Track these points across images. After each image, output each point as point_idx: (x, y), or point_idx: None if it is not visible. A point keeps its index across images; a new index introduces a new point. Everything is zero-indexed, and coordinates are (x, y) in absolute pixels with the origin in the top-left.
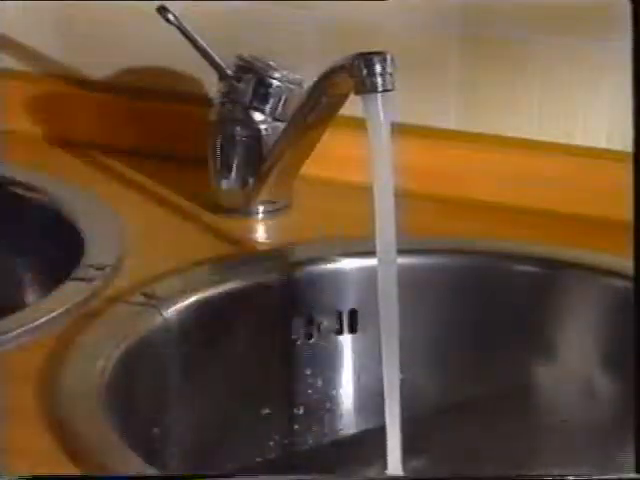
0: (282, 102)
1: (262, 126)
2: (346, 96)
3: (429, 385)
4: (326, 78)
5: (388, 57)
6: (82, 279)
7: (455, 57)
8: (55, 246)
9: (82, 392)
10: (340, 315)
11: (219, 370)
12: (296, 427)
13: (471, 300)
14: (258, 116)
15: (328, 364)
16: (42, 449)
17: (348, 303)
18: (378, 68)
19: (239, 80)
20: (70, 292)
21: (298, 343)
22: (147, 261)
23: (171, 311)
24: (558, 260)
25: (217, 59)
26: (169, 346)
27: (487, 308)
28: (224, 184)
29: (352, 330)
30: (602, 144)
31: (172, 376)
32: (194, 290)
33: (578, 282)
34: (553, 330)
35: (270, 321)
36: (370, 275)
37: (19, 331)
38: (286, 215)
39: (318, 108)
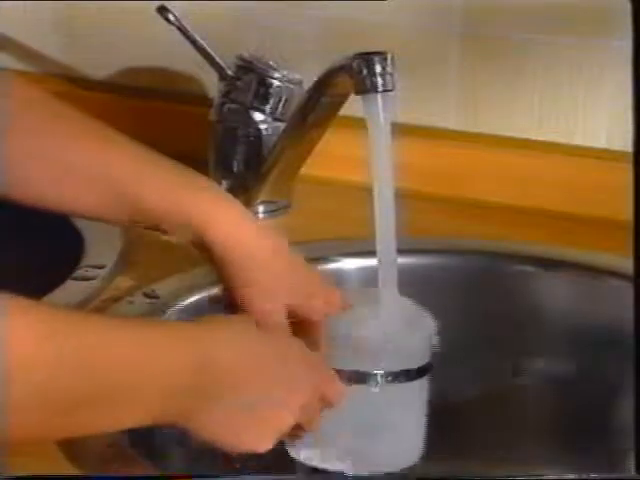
0: (282, 102)
1: (262, 126)
2: (346, 96)
3: (429, 384)
4: (326, 78)
5: (388, 57)
6: (82, 279)
7: (455, 57)
8: (55, 246)
9: None
10: None
11: None
12: None
13: (471, 300)
14: (258, 116)
15: None
16: (42, 449)
17: None
18: (378, 68)
19: (239, 80)
20: (70, 292)
21: None
22: (147, 261)
23: (172, 311)
24: (558, 260)
25: (217, 59)
26: None
27: (487, 308)
28: (224, 184)
29: None
30: (602, 144)
31: None
32: (194, 290)
33: (578, 282)
34: (553, 329)
35: None
36: (370, 275)
37: None
38: (286, 215)
39: (318, 108)
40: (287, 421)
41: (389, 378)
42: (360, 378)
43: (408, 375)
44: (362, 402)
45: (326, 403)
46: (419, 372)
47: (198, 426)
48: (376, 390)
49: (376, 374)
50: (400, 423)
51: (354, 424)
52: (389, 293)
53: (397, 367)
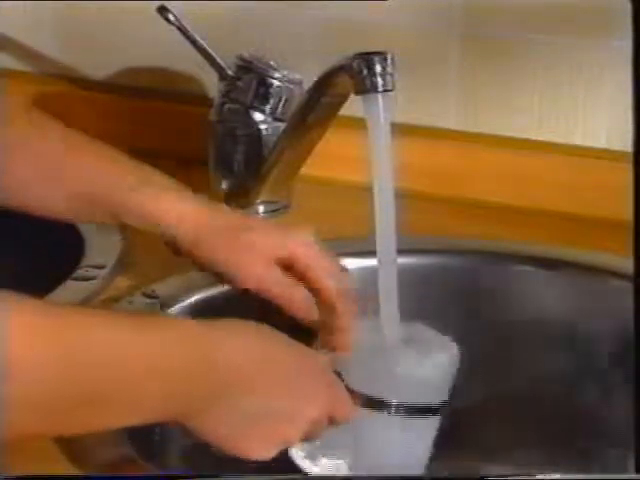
0: (282, 102)
1: (262, 126)
2: (346, 96)
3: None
4: (326, 78)
5: (388, 57)
6: (82, 279)
7: (455, 57)
8: (55, 246)
9: None
10: None
11: None
12: None
13: (471, 300)
14: (258, 116)
15: None
16: (42, 449)
17: None
18: (378, 68)
19: (239, 80)
20: (70, 292)
21: None
22: (147, 261)
23: (171, 311)
24: (558, 260)
25: (217, 59)
26: None
27: (487, 308)
28: (224, 184)
29: None
30: (602, 144)
31: None
32: (194, 290)
33: (578, 282)
34: (553, 329)
35: (270, 321)
36: (370, 275)
37: None
38: (286, 215)
39: (318, 108)
40: (294, 435)
41: (402, 410)
42: (373, 404)
43: (422, 411)
44: (370, 425)
45: (334, 422)
46: (434, 410)
47: (200, 426)
48: (387, 419)
49: (390, 405)
50: (405, 449)
51: (358, 443)
52: (418, 326)
53: (413, 399)
